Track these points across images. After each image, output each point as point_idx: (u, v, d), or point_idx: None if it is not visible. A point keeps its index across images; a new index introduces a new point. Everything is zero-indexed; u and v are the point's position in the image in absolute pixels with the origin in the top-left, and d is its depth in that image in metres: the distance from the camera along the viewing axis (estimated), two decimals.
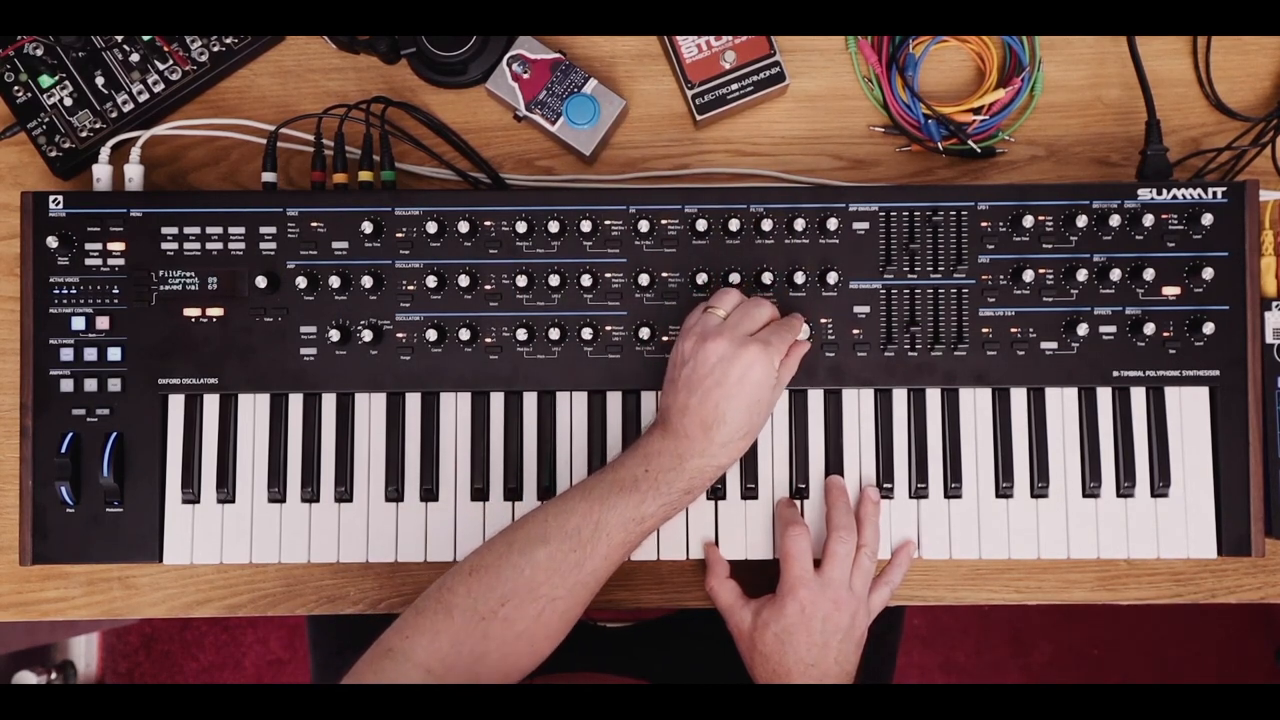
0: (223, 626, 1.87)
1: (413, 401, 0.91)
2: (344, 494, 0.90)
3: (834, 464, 0.90)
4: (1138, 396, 0.90)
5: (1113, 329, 0.89)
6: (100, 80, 0.95)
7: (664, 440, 0.81)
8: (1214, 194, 0.89)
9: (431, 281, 0.88)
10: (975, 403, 0.91)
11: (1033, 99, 0.97)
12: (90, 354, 0.89)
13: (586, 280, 0.89)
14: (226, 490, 0.90)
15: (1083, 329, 0.88)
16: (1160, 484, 0.90)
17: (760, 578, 0.88)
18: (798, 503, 0.90)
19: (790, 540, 0.85)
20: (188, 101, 0.97)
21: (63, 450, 0.88)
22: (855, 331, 0.89)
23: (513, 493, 0.90)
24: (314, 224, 0.89)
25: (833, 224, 0.88)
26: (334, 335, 0.88)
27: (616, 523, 0.79)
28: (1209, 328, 0.88)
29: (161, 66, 0.96)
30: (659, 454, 0.80)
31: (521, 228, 0.89)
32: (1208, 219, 0.88)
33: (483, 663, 0.77)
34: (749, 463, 0.90)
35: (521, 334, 0.88)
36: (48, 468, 0.88)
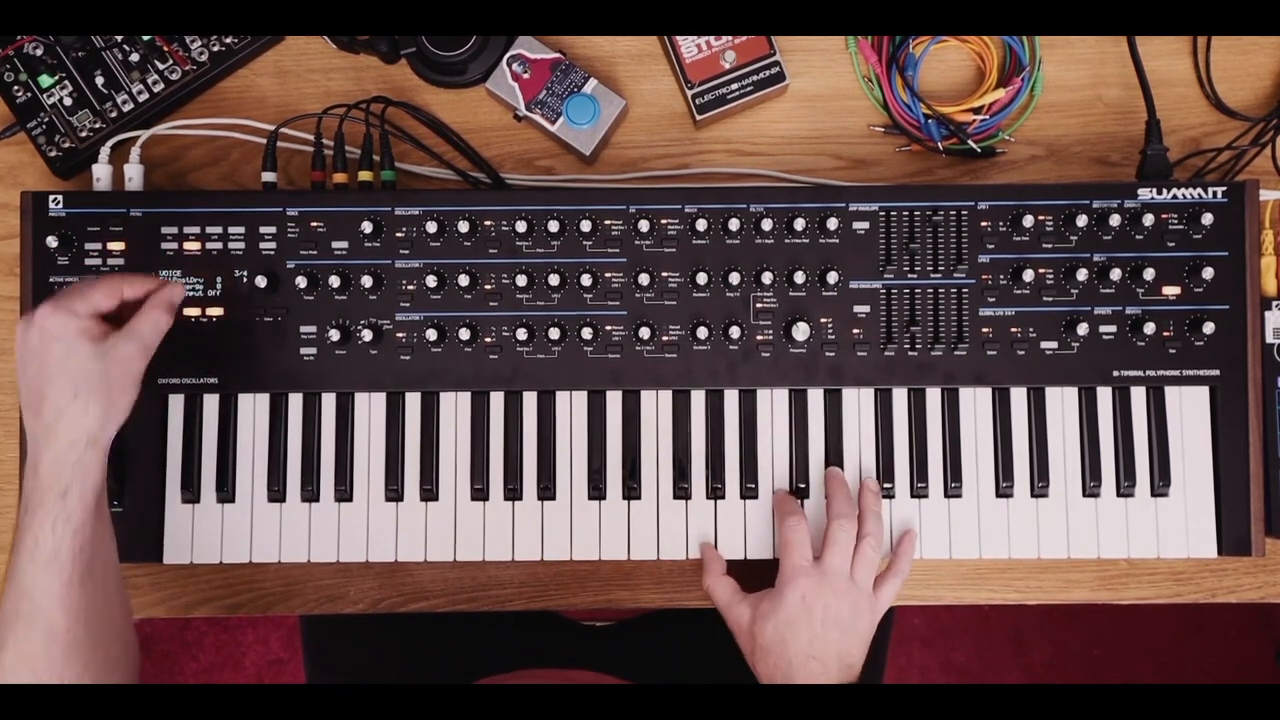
0: (223, 626, 1.87)
1: (412, 401, 0.91)
2: (344, 493, 0.90)
3: (834, 463, 0.90)
4: (1138, 396, 0.90)
5: (1113, 329, 0.89)
6: (100, 80, 0.95)
7: (25, 479, 0.77)
8: (1214, 194, 0.89)
9: (431, 281, 0.88)
10: (975, 402, 0.91)
11: (1033, 99, 0.97)
12: None
13: (586, 280, 0.89)
14: (226, 490, 0.90)
15: (1083, 329, 0.88)
16: (1160, 484, 0.90)
17: (759, 577, 0.88)
18: (796, 500, 0.90)
19: (789, 530, 0.84)
20: (188, 101, 0.97)
21: None
22: (855, 331, 0.89)
23: (512, 493, 0.90)
24: (314, 224, 0.89)
25: (833, 224, 0.88)
26: (334, 335, 0.88)
27: (38, 578, 0.74)
28: (1209, 327, 0.88)
29: (161, 66, 0.96)
30: (23, 491, 0.77)
31: (521, 227, 0.89)
32: (1208, 219, 0.88)
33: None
34: (749, 462, 0.90)
35: (521, 334, 0.88)
36: None
